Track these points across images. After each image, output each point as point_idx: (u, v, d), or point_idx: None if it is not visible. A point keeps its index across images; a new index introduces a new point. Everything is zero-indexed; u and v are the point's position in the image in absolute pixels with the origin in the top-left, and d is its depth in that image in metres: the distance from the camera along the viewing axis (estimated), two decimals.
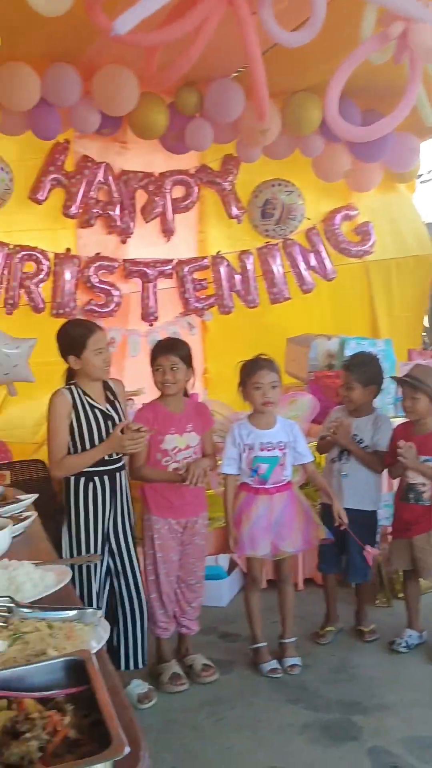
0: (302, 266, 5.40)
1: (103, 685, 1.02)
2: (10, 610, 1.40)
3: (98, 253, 4.84)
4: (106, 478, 3.05)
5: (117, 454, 3.06)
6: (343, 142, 4.76)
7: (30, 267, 4.63)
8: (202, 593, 3.45)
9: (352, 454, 3.55)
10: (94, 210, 4.79)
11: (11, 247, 4.56)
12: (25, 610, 1.42)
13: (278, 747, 2.85)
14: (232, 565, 4.21)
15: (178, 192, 5.06)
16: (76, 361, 3.02)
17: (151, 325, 5.05)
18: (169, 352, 3.21)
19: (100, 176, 4.77)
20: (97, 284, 4.81)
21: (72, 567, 1.84)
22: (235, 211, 5.21)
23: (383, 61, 3.25)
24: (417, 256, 5.72)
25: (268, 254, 5.30)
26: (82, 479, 3.03)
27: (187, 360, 3.26)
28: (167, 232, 5.06)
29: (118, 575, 3.13)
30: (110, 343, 3.84)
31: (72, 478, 3.04)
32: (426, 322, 6.41)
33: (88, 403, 3.03)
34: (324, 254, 5.45)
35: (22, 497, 2.46)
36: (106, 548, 3.10)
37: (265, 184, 5.23)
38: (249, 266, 5.26)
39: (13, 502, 2.39)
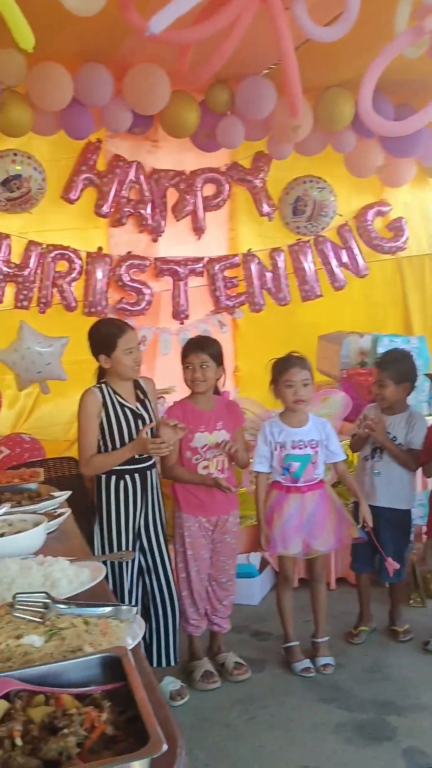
0: (334, 263, 5.35)
1: (140, 682, 1.02)
2: (46, 606, 1.40)
3: (129, 252, 4.86)
4: (136, 476, 3.07)
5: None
6: (376, 137, 4.71)
7: (62, 266, 4.67)
8: (233, 591, 3.45)
9: (385, 451, 3.52)
10: (126, 209, 4.81)
11: (44, 246, 4.61)
12: (61, 606, 1.42)
13: (311, 746, 2.84)
14: (264, 563, 4.20)
15: (209, 190, 5.06)
16: (107, 360, 3.03)
17: (182, 323, 5.06)
18: (199, 350, 3.21)
19: (131, 175, 4.79)
20: (129, 283, 4.83)
21: (104, 564, 1.85)
22: (266, 208, 5.19)
23: (417, 56, 3.21)
24: None
25: (299, 251, 5.27)
26: (113, 477, 3.04)
27: (218, 358, 3.25)
28: (198, 230, 5.06)
29: (149, 573, 3.14)
30: (141, 341, 3.85)
31: (103, 477, 3.06)
32: None
33: (119, 401, 3.04)
34: (356, 251, 5.40)
35: (55, 494, 2.47)
36: (138, 546, 3.11)
37: (297, 180, 5.18)
38: (280, 264, 5.23)
39: (47, 499, 2.41)
